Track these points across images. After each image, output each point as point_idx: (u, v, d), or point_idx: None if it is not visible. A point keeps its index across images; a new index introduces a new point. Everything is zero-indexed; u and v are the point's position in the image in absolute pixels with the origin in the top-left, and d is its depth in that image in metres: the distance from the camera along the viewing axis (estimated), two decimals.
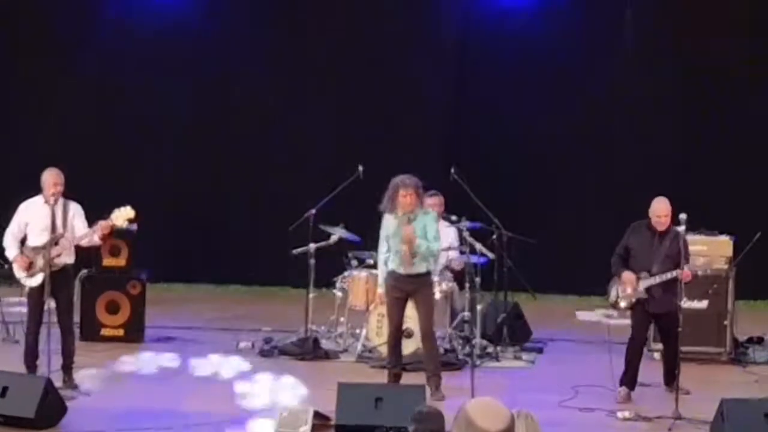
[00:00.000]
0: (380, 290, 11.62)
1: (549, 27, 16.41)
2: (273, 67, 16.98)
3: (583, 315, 15.15)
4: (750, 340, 13.16)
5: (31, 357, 11.19)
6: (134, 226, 11.59)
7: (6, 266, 12.05)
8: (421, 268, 11.30)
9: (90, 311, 13.20)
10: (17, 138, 17.00)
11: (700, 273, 11.20)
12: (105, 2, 17.06)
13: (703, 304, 12.68)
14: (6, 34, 17.02)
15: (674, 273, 10.98)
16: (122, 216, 10.99)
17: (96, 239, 11.25)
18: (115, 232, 11.57)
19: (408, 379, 11.44)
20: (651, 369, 11.90)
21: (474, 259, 12.83)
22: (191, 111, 16.96)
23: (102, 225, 10.98)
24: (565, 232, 16.30)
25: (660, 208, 11.24)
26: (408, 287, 11.31)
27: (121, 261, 13.39)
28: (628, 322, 11.56)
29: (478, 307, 12.93)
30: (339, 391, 10.02)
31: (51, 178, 11.10)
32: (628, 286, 11.23)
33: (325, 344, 13.00)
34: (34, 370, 11.10)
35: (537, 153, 16.48)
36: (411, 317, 12.41)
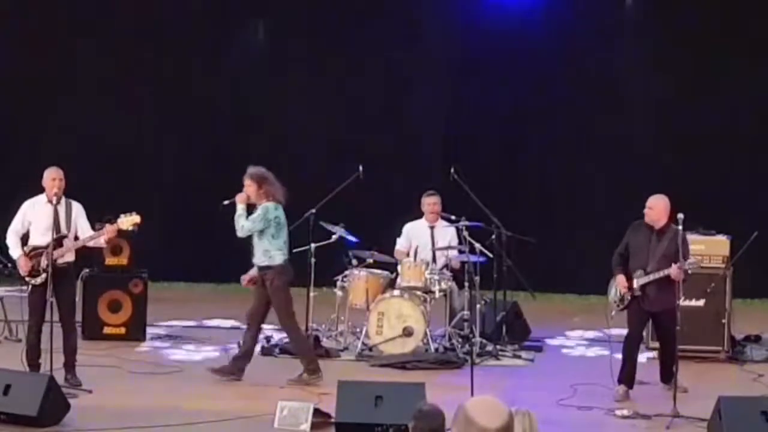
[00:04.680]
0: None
1: (547, 26, 16.45)
2: (272, 67, 17.02)
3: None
4: (747, 339, 13.20)
5: (33, 355, 11.22)
6: (136, 228, 11.63)
7: (9, 266, 12.12)
8: (260, 260, 11.64)
9: (92, 310, 13.24)
10: (19, 138, 17.05)
11: (690, 271, 11.23)
12: (104, 3, 17.11)
13: (701, 302, 12.73)
14: (7, 35, 17.07)
15: (666, 271, 11.06)
16: (129, 221, 11.16)
17: (102, 242, 11.38)
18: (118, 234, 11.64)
19: (408, 377, 11.49)
20: (649, 367, 11.95)
21: (473, 258, 12.88)
22: (192, 110, 17.00)
23: (109, 229, 11.11)
24: (564, 231, 16.34)
25: (649, 201, 11.33)
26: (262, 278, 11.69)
27: (122, 260, 13.46)
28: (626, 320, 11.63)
29: (477, 306, 12.98)
30: (339, 389, 10.04)
31: (49, 174, 11.19)
32: (621, 288, 11.33)
33: (326, 343, 13.04)
34: (37, 368, 11.13)
35: (536, 153, 16.51)
36: (411, 316, 12.48)
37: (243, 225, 11.58)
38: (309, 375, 11.51)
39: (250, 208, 11.72)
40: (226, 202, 11.67)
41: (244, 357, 11.70)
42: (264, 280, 11.65)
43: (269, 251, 11.59)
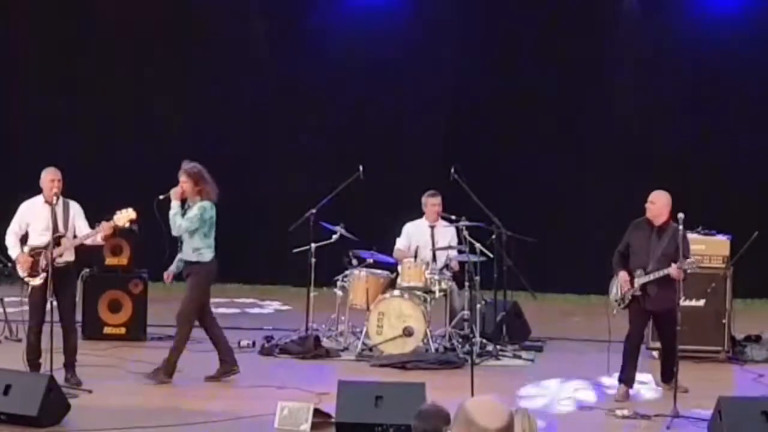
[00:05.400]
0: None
1: (549, 25, 16.47)
2: (272, 67, 17.01)
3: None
4: (747, 339, 13.20)
5: (33, 355, 11.23)
6: (135, 227, 11.67)
7: (8, 265, 12.12)
8: (189, 256, 11.60)
9: (92, 310, 13.24)
10: (17, 138, 17.05)
11: (689, 271, 11.22)
12: (103, 2, 17.09)
13: (701, 302, 12.73)
14: (3, 35, 17.07)
15: (666, 271, 11.06)
16: (124, 217, 11.13)
17: (99, 239, 11.37)
18: (117, 232, 11.65)
19: (408, 377, 11.49)
20: (649, 367, 11.95)
21: (474, 258, 12.87)
22: (191, 110, 16.99)
23: (105, 226, 11.09)
24: (564, 231, 16.33)
25: (652, 195, 11.34)
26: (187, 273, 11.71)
27: (123, 260, 13.46)
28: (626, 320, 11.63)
29: (477, 306, 12.97)
30: (339, 389, 10.04)
31: (48, 175, 11.21)
32: (623, 285, 11.32)
33: (326, 343, 13.04)
34: (37, 368, 11.14)
35: (537, 152, 16.50)
36: (411, 316, 12.48)
37: (180, 224, 11.52)
38: (165, 375, 11.48)
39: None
40: (161, 197, 11.60)
41: (226, 352, 11.70)
42: (188, 275, 11.63)
43: (200, 249, 11.60)
